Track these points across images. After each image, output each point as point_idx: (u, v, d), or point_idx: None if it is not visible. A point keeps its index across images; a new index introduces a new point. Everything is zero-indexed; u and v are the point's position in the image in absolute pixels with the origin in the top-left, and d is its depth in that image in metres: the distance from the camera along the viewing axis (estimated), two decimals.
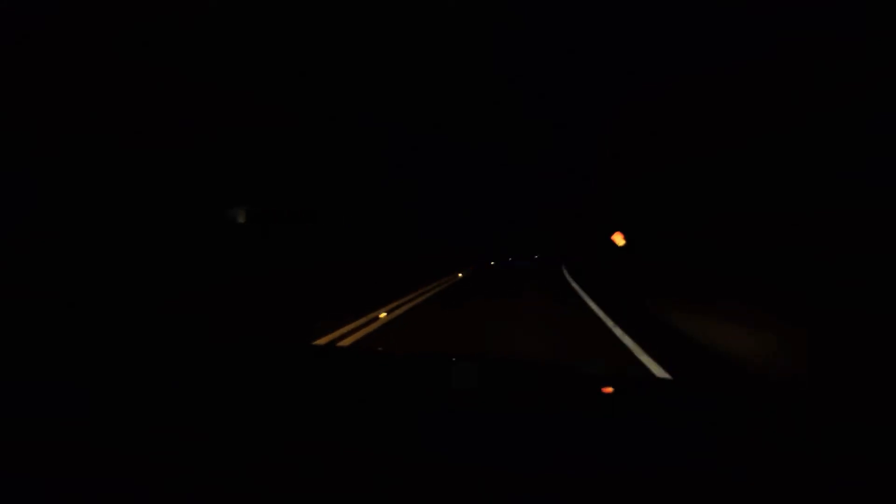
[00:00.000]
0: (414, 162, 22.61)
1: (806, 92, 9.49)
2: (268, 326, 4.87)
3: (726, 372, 3.10)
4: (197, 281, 7.40)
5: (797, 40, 9.30)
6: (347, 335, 4.47)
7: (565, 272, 16.31)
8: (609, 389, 0.95)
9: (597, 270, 16.00)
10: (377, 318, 5.54)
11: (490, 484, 0.51)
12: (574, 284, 10.92)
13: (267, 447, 0.59)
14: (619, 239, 23.26)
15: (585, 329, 5.00)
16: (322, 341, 4.11)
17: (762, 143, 11.19)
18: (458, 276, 14.32)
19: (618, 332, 4.66)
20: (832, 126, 8.67)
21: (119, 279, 6.55)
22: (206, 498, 0.49)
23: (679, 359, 3.50)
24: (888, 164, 7.14)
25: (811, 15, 8.79)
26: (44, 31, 5.81)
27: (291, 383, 0.90)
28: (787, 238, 8.93)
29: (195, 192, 8.75)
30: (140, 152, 7.51)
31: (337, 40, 14.01)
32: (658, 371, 3.16)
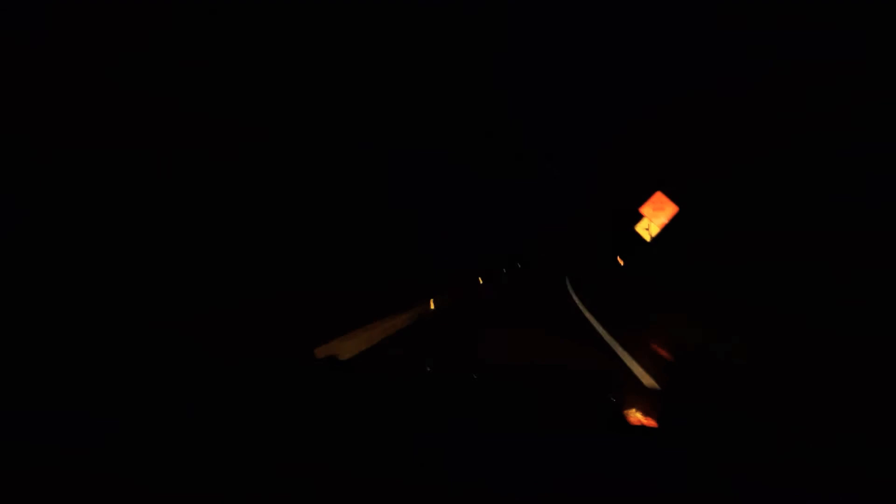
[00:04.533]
0: (413, 177, 22.64)
1: (804, 114, 9.66)
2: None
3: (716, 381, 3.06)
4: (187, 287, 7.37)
5: (796, 62, 9.48)
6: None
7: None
8: (604, 405, 0.96)
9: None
10: None
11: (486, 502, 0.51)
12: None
13: (267, 461, 0.58)
14: (654, 217, 10.23)
15: None
16: (321, 353, 4.08)
17: (761, 163, 11.33)
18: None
19: None
20: (830, 148, 8.78)
21: (118, 281, 6.51)
22: None
23: None
24: (886, 186, 7.21)
25: (810, 39, 8.97)
26: (44, 30, 5.87)
27: (292, 396, 0.90)
28: (788, 256, 8.95)
29: (195, 195, 8.77)
30: (138, 153, 7.54)
31: (337, 55, 14.24)
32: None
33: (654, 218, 10.07)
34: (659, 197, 10.40)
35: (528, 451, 0.64)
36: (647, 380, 3.57)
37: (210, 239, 9.42)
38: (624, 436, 0.75)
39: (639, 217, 10.97)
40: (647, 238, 10.04)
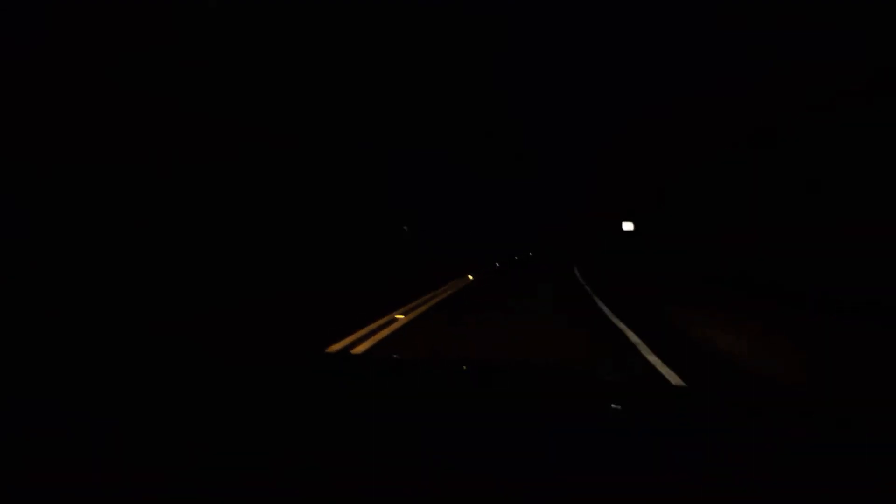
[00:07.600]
0: (412, 179, 22.39)
1: (802, 114, 9.65)
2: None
3: (741, 377, 3.04)
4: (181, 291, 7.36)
5: (796, 62, 9.47)
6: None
7: None
8: (623, 401, 0.94)
9: None
10: None
11: (503, 495, 0.50)
12: None
13: (278, 454, 0.59)
14: None
15: None
16: (334, 348, 4.07)
17: (756, 160, 11.33)
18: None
19: None
20: (827, 147, 8.78)
21: (126, 283, 6.50)
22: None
23: None
24: (883, 183, 7.22)
25: (810, 39, 8.95)
26: (43, 32, 5.86)
27: (304, 391, 0.91)
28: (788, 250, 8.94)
29: (197, 194, 8.76)
30: (138, 153, 7.53)
31: (337, 58, 14.20)
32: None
33: None
34: None
35: (537, 449, 0.63)
36: (665, 371, 3.56)
37: (214, 238, 9.41)
38: (636, 431, 0.73)
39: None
40: None
